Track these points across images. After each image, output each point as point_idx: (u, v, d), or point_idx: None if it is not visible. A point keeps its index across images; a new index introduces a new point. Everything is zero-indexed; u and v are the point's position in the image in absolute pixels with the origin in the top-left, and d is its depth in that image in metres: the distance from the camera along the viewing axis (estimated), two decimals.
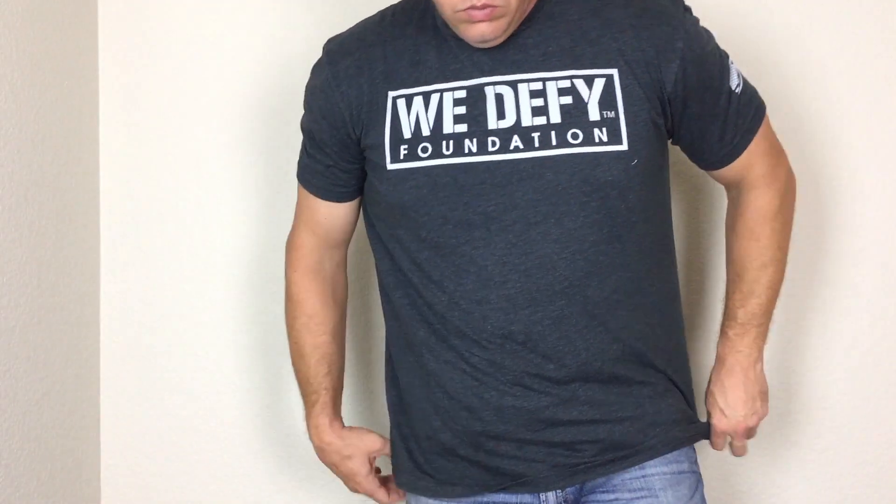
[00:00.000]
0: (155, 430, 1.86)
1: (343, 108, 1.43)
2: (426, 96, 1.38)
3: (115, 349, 1.86)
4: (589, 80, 1.35)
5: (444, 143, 1.35)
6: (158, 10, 1.82)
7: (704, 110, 1.40)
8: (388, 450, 1.56)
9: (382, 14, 1.48)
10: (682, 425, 1.46)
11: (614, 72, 1.35)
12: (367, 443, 1.57)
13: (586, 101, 1.34)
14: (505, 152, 1.33)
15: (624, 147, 1.34)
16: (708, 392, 1.53)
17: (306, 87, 1.51)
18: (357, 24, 1.50)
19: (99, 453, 1.87)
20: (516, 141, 1.33)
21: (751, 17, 1.77)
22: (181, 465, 1.87)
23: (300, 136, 1.80)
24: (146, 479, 1.87)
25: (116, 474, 1.87)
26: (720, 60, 1.42)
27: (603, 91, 1.35)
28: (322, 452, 1.58)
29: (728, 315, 1.50)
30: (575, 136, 1.33)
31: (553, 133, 1.33)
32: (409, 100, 1.38)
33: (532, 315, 1.35)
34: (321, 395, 1.56)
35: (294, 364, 1.59)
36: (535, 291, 1.34)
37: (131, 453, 1.87)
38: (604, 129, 1.34)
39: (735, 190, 1.50)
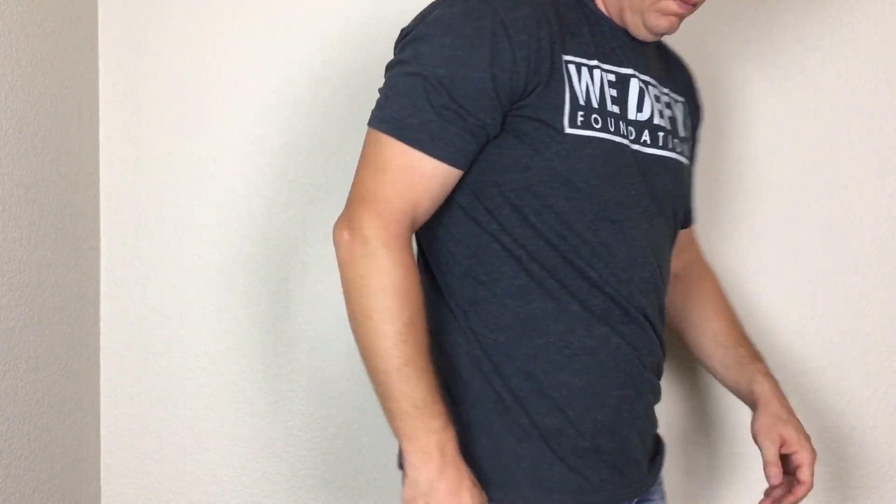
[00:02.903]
0: (155, 430, 1.86)
1: (520, 58, 1.25)
2: (590, 70, 1.32)
3: (115, 349, 1.86)
4: (675, 102, 1.47)
5: (609, 119, 1.32)
6: (158, 10, 1.81)
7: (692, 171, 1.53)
8: None
9: None
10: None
11: (684, 100, 1.51)
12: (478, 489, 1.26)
13: (679, 118, 1.47)
14: (637, 143, 1.35)
15: (691, 165, 1.51)
16: (783, 421, 1.44)
17: (458, 33, 1.26)
18: None
19: (99, 453, 1.86)
20: (646, 135, 1.36)
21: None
22: (181, 465, 1.87)
23: (301, 136, 1.81)
24: (146, 479, 1.87)
25: (116, 474, 1.87)
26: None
27: (683, 113, 1.49)
28: (442, 474, 1.21)
29: (747, 350, 1.53)
30: (676, 145, 1.42)
31: (670, 137, 1.41)
32: (578, 67, 1.31)
33: (658, 300, 1.38)
34: (440, 402, 1.23)
35: (390, 368, 1.22)
36: (658, 278, 1.37)
37: (131, 453, 1.86)
38: (685, 145, 1.46)
39: (683, 262, 1.61)
